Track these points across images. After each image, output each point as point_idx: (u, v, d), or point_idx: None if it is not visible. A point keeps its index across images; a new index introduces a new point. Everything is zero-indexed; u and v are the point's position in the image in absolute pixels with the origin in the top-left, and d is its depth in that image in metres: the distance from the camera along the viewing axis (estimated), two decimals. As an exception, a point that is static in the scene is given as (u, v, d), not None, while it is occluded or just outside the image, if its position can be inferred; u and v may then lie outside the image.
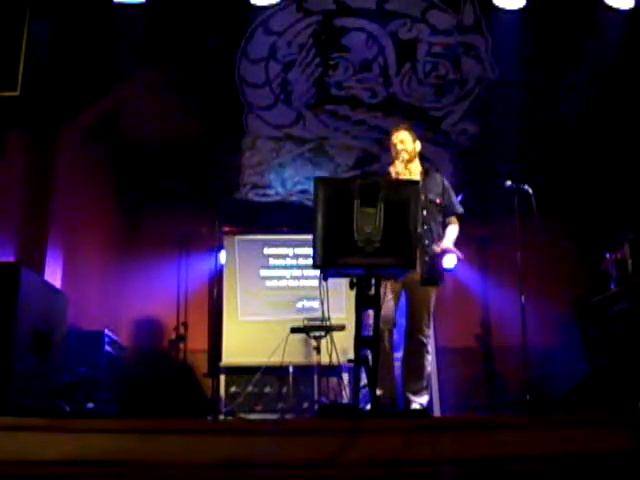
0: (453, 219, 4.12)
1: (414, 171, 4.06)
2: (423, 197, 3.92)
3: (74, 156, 5.51)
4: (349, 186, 2.95)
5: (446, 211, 4.08)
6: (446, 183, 4.16)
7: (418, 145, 4.12)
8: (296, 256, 7.03)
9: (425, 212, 3.93)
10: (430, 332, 4.05)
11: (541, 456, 2.08)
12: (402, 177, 3.92)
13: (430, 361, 4.08)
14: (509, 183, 4.76)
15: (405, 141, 4.04)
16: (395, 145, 4.04)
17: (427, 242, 3.89)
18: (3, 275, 3.49)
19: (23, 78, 4.26)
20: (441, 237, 3.97)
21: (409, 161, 4.02)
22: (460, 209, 4.15)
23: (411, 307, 3.99)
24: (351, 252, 2.88)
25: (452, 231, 4.06)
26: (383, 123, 6.48)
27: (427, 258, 3.88)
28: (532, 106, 6.10)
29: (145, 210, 6.79)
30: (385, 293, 3.84)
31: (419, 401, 3.87)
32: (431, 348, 4.37)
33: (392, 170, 3.97)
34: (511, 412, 5.61)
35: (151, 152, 6.34)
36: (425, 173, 4.12)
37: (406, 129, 4.11)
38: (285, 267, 7.01)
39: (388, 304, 3.84)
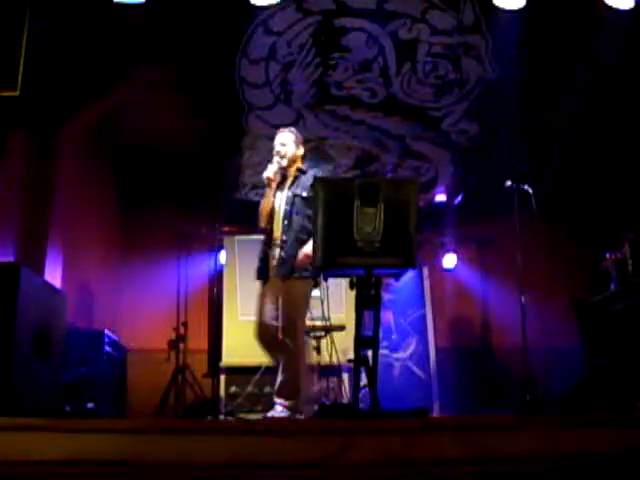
0: None
1: (289, 175, 4.04)
2: (291, 194, 3.94)
3: (74, 156, 5.51)
4: (349, 186, 2.95)
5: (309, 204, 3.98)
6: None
7: (301, 150, 4.10)
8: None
9: (288, 207, 3.91)
10: (299, 333, 3.84)
11: (541, 456, 2.08)
12: (274, 183, 3.94)
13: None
14: (509, 183, 4.77)
15: (286, 144, 4.03)
16: (274, 147, 4.04)
17: (285, 238, 3.87)
18: (3, 275, 3.49)
19: (23, 78, 4.26)
20: (304, 228, 3.86)
21: (288, 166, 4.01)
22: None
23: (281, 305, 3.86)
24: (351, 252, 2.89)
25: None
26: (383, 123, 6.49)
27: (283, 254, 3.84)
28: (532, 106, 6.10)
29: (145, 210, 6.79)
30: (264, 299, 3.86)
31: (283, 406, 3.71)
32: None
33: (270, 170, 3.94)
34: (511, 412, 5.61)
35: (151, 152, 6.34)
36: (301, 171, 4.05)
37: (290, 132, 4.10)
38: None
39: (265, 309, 3.86)
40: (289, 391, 3.71)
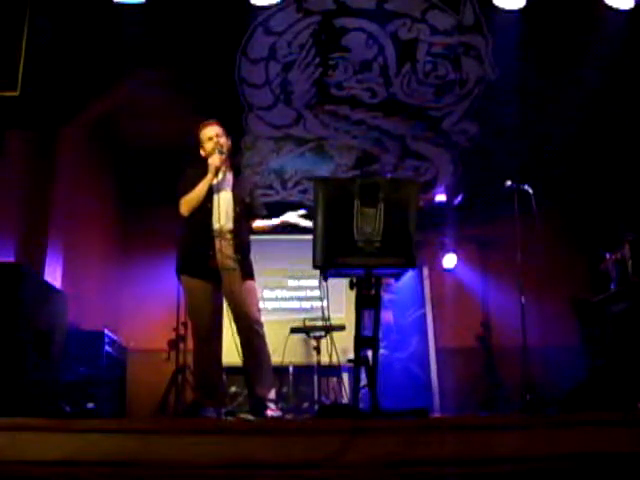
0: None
1: (228, 167, 4.00)
2: (237, 195, 3.93)
3: (74, 156, 5.51)
4: (349, 186, 2.95)
5: (251, 210, 4.03)
6: (252, 184, 4.19)
7: (229, 142, 4.03)
8: (296, 256, 7.03)
9: (238, 209, 3.90)
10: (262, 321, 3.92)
11: (541, 456, 2.08)
12: (221, 173, 3.87)
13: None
14: (509, 183, 4.76)
15: (220, 135, 3.95)
16: (211, 139, 3.93)
17: (239, 238, 3.87)
18: (3, 275, 3.49)
19: (23, 78, 4.26)
20: (248, 235, 3.99)
21: (226, 157, 3.95)
22: (264, 211, 4.10)
23: (239, 300, 3.84)
24: (351, 252, 2.88)
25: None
26: (383, 123, 6.49)
27: (240, 255, 3.85)
28: (532, 106, 6.10)
29: (145, 210, 6.79)
30: (201, 297, 3.81)
31: (270, 401, 3.74)
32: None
33: (211, 164, 3.84)
34: (511, 412, 5.61)
35: (151, 152, 6.34)
36: (237, 171, 4.06)
37: (218, 124, 4.01)
38: (285, 267, 7.00)
39: (207, 310, 3.81)
40: (271, 379, 3.80)
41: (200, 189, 3.84)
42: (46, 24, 4.51)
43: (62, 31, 4.73)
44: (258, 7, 5.23)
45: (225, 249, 3.83)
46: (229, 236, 3.85)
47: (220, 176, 3.90)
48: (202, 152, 4.02)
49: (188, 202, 3.86)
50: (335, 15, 5.53)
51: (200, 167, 3.96)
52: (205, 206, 3.85)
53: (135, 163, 6.58)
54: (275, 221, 4.04)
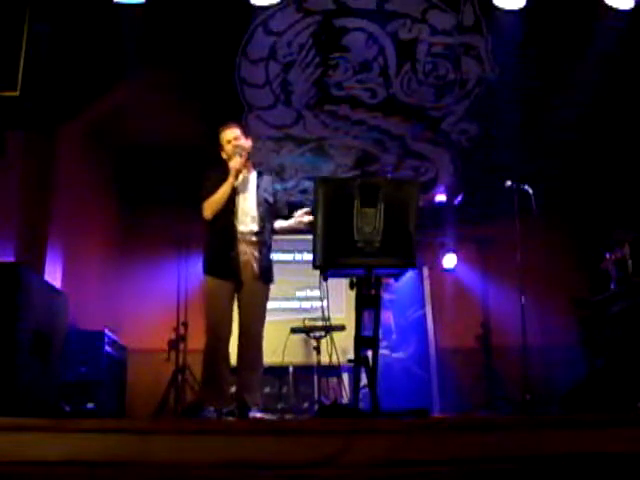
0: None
1: (249, 168, 4.06)
2: (260, 196, 3.96)
3: (74, 156, 5.52)
4: (349, 186, 2.95)
5: (274, 211, 4.07)
6: (276, 184, 4.23)
7: (249, 142, 4.08)
8: (296, 256, 7.03)
9: (261, 209, 3.94)
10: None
11: (541, 456, 2.08)
12: (240, 175, 3.92)
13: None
14: (509, 183, 4.77)
15: (239, 137, 4.01)
16: (229, 142, 3.99)
17: (263, 240, 3.91)
18: (3, 275, 3.49)
19: (23, 78, 4.26)
20: (271, 236, 4.02)
21: (247, 158, 4.00)
22: (286, 211, 4.14)
23: (250, 309, 3.89)
24: (351, 252, 2.89)
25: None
26: (383, 123, 6.49)
27: (264, 258, 3.89)
28: (532, 106, 6.10)
29: (145, 210, 6.79)
30: (219, 297, 3.82)
31: (254, 406, 3.80)
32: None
33: (232, 167, 3.89)
34: (511, 412, 5.61)
35: (151, 152, 6.34)
36: (258, 172, 4.11)
37: (237, 126, 4.07)
38: (285, 267, 7.00)
39: (223, 310, 3.82)
40: (260, 385, 3.92)
41: (222, 192, 3.86)
42: (46, 24, 4.51)
43: (62, 31, 4.72)
44: (258, 7, 5.22)
45: (249, 251, 3.85)
46: (253, 238, 3.88)
47: (240, 178, 3.93)
48: (223, 154, 4.06)
49: (210, 205, 3.87)
50: (335, 15, 5.53)
51: (222, 169, 3.98)
52: (228, 208, 3.87)
53: (135, 163, 6.57)
54: (291, 222, 4.05)
